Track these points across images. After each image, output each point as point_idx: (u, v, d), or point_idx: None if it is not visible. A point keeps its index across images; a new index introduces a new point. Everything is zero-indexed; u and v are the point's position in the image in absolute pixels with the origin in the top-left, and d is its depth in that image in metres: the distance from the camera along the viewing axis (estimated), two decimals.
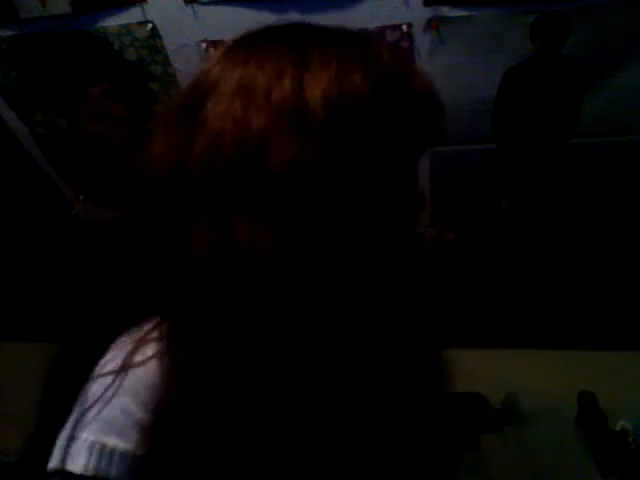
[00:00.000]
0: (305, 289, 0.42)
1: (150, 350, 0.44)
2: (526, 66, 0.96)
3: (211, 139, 0.42)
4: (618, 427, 1.29)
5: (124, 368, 0.43)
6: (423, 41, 0.96)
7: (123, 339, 0.46)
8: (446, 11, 0.92)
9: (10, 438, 1.85)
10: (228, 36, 0.99)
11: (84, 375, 0.45)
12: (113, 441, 0.41)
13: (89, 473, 0.40)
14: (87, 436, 0.41)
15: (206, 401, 0.41)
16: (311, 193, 0.41)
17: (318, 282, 0.42)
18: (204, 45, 1.01)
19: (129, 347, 0.44)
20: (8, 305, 1.86)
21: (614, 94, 0.98)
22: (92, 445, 0.41)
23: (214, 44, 1.01)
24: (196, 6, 0.96)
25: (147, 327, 0.46)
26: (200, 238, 0.41)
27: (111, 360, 0.44)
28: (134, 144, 1.23)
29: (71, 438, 0.41)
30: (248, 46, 0.46)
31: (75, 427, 0.42)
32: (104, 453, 0.40)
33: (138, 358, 0.43)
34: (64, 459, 0.41)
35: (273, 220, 0.40)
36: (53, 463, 0.41)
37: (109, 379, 0.43)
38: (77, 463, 0.40)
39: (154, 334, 0.45)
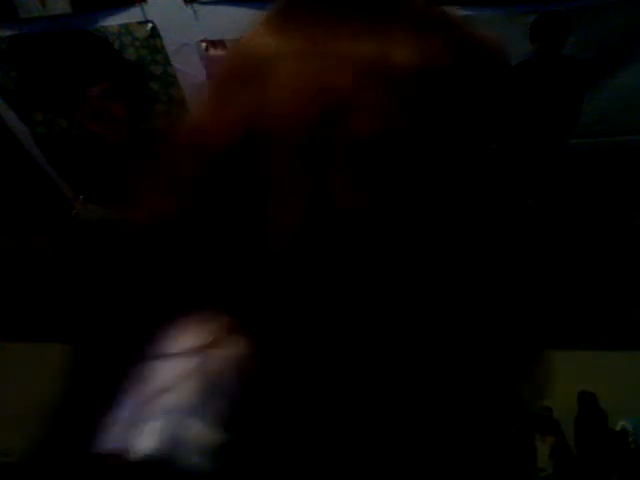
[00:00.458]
0: (404, 259, 0.40)
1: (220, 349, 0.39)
2: (526, 66, 0.96)
3: (285, 104, 0.39)
4: (618, 427, 1.29)
5: (194, 352, 0.39)
6: None
7: (180, 329, 0.42)
8: None
9: (10, 438, 1.85)
10: (228, 36, 1.00)
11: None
12: (187, 431, 0.38)
13: (164, 460, 0.37)
14: (162, 424, 0.38)
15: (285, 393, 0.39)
16: (405, 153, 0.39)
17: (416, 251, 0.40)
18: (204, 45, 1.01)
19: (194, 336, 0.40)
20: (8, 305, 1.86)
21: (614, 94, 0.98)
22: (165, 432, 0.38)
23: (214, 44, 1.01)
24: (196, 6, 0.96)
25: (206, 321, 0.41)
26: (289, 209, 0.38)
27: (175, 345, 0.41)
28: (134, 144, 1.23)
29: (148, 424, 0.38)
30: (306, 12, 0.44)
31: (149, 412, 0.39)
32: (180, 442, 0.38)
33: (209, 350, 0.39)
34: (167, 449, 0.37)
35: (369, 182, 0.39)
36: (148, 447, 0.37)
37: (178, 364, 0.39)
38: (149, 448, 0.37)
39: (215, 328, 0.41)
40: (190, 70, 1.06)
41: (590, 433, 1.29)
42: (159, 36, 1.01)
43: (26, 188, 1.38)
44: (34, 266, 1.66)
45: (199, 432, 0.38)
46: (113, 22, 0.99)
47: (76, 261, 1.63)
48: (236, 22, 1.02)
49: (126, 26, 1.00)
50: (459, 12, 0.91)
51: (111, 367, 0.42)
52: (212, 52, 1.02)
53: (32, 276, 1.71)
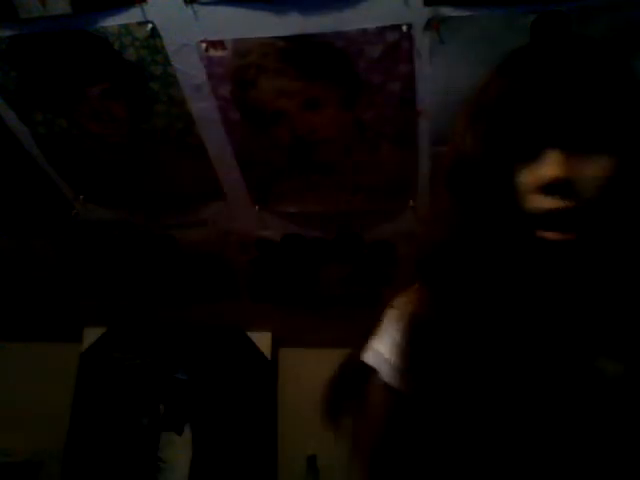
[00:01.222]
0: None
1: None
2: None
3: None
4: None
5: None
6: (423, 41, 0.96)
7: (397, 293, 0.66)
8: (446, 11, 0.92)
9: (10, 438, 1.85)
10: (228, 36, 1.00)
11: None
12: (382, 349, 0.63)
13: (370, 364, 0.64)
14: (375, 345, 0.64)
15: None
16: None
17: None
18: (204, 45, 1.01)
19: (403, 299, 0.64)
20: (8, 305, 1.86)
21: None
22: (374, 351, 0.64)
23: (214, 44, 1.01)
24: (196, 6, 0.96)
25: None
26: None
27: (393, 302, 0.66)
28: (134, 144, 1.23)
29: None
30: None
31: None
32: (378, 356, 0.63)
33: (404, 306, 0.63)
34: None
35: None
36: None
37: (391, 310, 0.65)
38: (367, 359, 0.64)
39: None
40: (190, 70, 1.06)
41: None
42: (159, 36, 1.01)
43: (26, 188, 1.38)
44: (34, 266, 1.67)
45: (382, 354, 0.63)
46: (113, 22, 0.99)
47: (76, 261, 1.63)
48: (236, 22, 1.03)
49: (126, 26, 1.00)
50: (459, 12, 0.91)
51: None
52: (212, 52, 1.02)
53: (32, 276, 1.71)
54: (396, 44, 0.97)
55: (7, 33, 1.03)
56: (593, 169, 0.50)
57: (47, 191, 1.38)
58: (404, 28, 0.94)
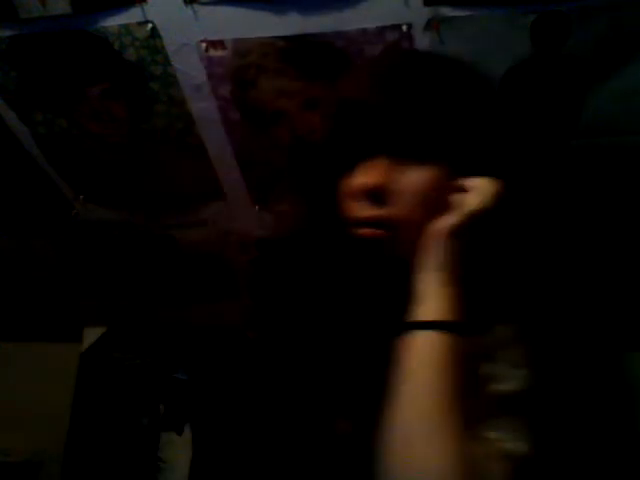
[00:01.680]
0: None
1: None
2: (526, 66, 0.96)
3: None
4: None
5: None
6: (423, 41, 0.96)
7: None
8: (446, 11, 0.92)
9: (10, 438, 1.85)
10: (228, 36, 1.00)
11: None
12: None
13: None
14: None
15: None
16: None
17: None
18: (204, 45, 1.01)
19: None
20: (8, 305, 1.86)
21: (614, 94, 0.98)
22: None
23: (214, 44, 1.01)
24: (196, 6, 0.96)
25: None
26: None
27: None
28: (134, 144, 1.23)
29: None
30: None
31: None
32: None
33: None
34: None
35: None
36: None
37: None
38: None
39: None
40: (190, 70, 1.06)
41: None
42: (159, 36, 1.01)
43: (26, 188, 1.38)
44: (34, 266, 1.67)
45: None
46: (113, 22, 1.00)
47: (76, 261, 1.63)
48: (236, 22, 1.03)
49: (126, 26, 1.00)
50: (459, 12, 0.92)
51: None
52: (212, 52, 1.02)
53: (32, 276, 1.71)
54: (396, 44, 0.97)
55: (7, 33, 1.03)
56: (411, 180, 0.52)
57: (47, 191, 1.38)
58: (404, 28, 0.94)
